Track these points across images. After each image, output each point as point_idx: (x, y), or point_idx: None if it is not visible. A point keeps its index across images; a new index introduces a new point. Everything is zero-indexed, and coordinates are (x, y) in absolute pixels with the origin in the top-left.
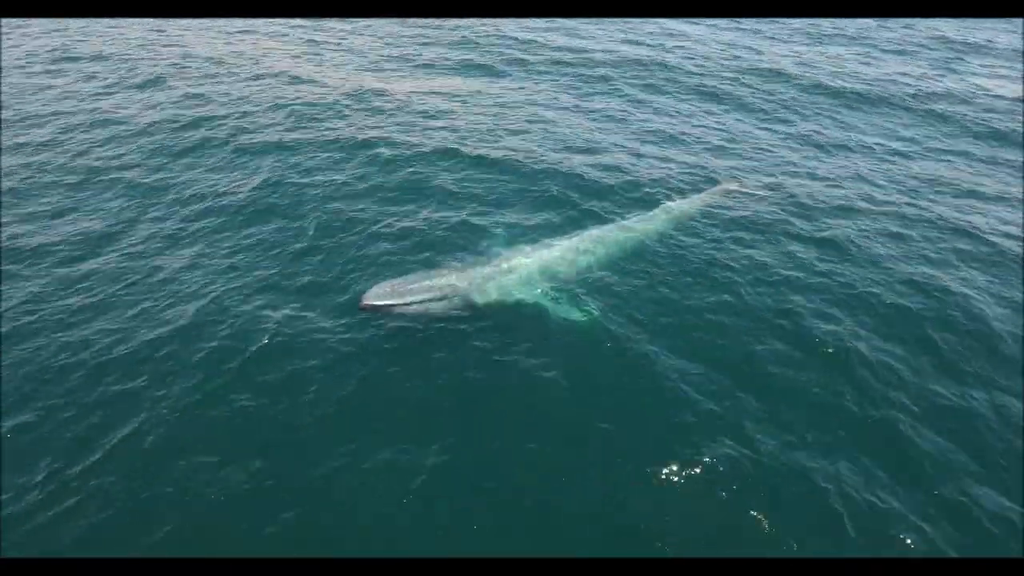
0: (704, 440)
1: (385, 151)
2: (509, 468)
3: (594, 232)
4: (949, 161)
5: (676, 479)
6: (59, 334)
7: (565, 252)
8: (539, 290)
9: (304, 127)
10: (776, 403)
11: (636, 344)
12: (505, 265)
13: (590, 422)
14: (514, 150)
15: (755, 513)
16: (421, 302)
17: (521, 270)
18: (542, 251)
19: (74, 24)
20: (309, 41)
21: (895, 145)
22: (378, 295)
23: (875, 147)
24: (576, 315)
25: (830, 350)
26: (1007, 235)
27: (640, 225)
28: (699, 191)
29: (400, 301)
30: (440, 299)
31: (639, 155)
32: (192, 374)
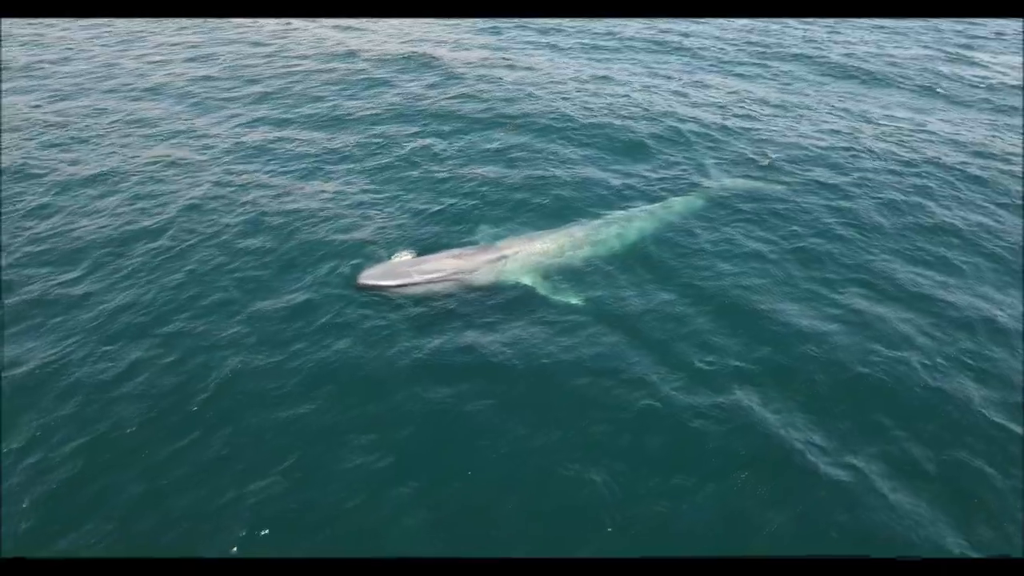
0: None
1: (459, 124)
2: (517, 447)
3: (596, 222)
4: (961, 130)
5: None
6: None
7: (567, 239)
8: (540, 275)
9: (366, 98)
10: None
11: (626, 329)
12: (506, 250)
13: (596, 401)
14: (557, 115)
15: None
16: (419, 284)
17: (522, 255)
18: (543, 237)
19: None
20: (353, 27)
21: (912, 116)
22: (375, 275)
23: (898, 118)
24: (577, 298)
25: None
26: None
27: (640, 216)
28: (709, 177)
29: (397, 282)
30: (439, 281)
31: (674, 126)
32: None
